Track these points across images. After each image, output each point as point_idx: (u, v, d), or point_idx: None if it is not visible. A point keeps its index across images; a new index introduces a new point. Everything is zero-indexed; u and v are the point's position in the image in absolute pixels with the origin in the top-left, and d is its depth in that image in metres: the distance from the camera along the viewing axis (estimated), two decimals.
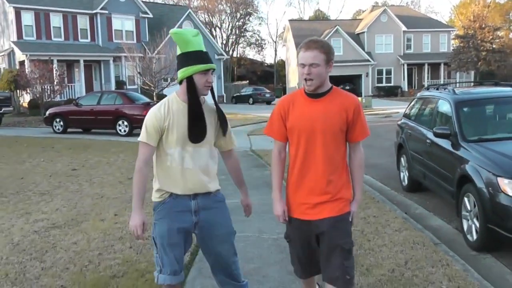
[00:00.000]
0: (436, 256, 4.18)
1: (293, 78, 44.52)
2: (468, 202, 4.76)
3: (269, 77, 57.80)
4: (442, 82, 37.34)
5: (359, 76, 42.23)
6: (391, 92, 41.76)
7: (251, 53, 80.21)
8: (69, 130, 16.96)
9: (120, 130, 15.62)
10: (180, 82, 2.64)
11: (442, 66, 42.26)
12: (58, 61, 26.88)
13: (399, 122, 7.98)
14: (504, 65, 38.66)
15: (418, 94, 7.83)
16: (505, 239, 4.26)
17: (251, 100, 36.72)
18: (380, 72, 43.04)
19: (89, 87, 29.18)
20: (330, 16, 62.92)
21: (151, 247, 3.95)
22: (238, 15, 58.01)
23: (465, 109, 5.73)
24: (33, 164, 9.91)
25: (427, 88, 7.72)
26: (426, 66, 42.79)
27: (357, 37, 43.40)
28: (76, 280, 3.82)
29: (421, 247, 4.42)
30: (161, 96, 22.03)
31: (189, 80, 2.58)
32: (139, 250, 4.48)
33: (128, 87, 29.21)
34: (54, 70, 23.95)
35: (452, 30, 45.46)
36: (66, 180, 8.10)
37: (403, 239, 4.65)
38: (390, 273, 3.83)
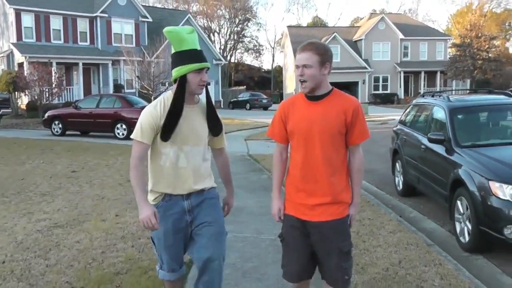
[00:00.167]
0: (429, 256, 4.31)
1: (290, 84, 44.71)
2: (460, 205, 4.91)
3: (267, 83, 57.95)
4: (437, 90, 37.59)
5: (356, 83, 42.50)
6: (387, 100, 42.01)
7: (249, 59, 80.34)
8: (67, 132, 16.98)
9: (118, 133, 15.66)
10: (175, 81, 2.63)
11: (438, 74, 42.56)
12: (57, 63, 27.01)
13: (394, 128, 8.11)
14: (500, 74, 39.08)
15: (414, 101, 7.99)
16: (496, 241, 4.41)
17: (248, 106, 36.87)
18: (376, 80, 43.35)
19: (87, 90, 29.25)
20: (328, 23, 63.32)
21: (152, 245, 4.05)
22: (237, 20, 58.22)
23: (459, 116, 5.89)
24: (33, 165, 9.97)
25: (423, 95, 7.87)
26: (422, 74, 43.08)
27: (354, 44, 43.68)
28: (81, 277, 3.90)
29: (414, 248, 4.56)
30: None
31: (182, 78, 2.58)
32: (141, 249, 4.58)
33: (126, 90, 29.27)
34: (53, 72, 24.02)
35: (449, 39, 45.82)
36: (66, 181, 8.17)
37: (397, 240, 4.78)
38: (384, 272, 3.97)
